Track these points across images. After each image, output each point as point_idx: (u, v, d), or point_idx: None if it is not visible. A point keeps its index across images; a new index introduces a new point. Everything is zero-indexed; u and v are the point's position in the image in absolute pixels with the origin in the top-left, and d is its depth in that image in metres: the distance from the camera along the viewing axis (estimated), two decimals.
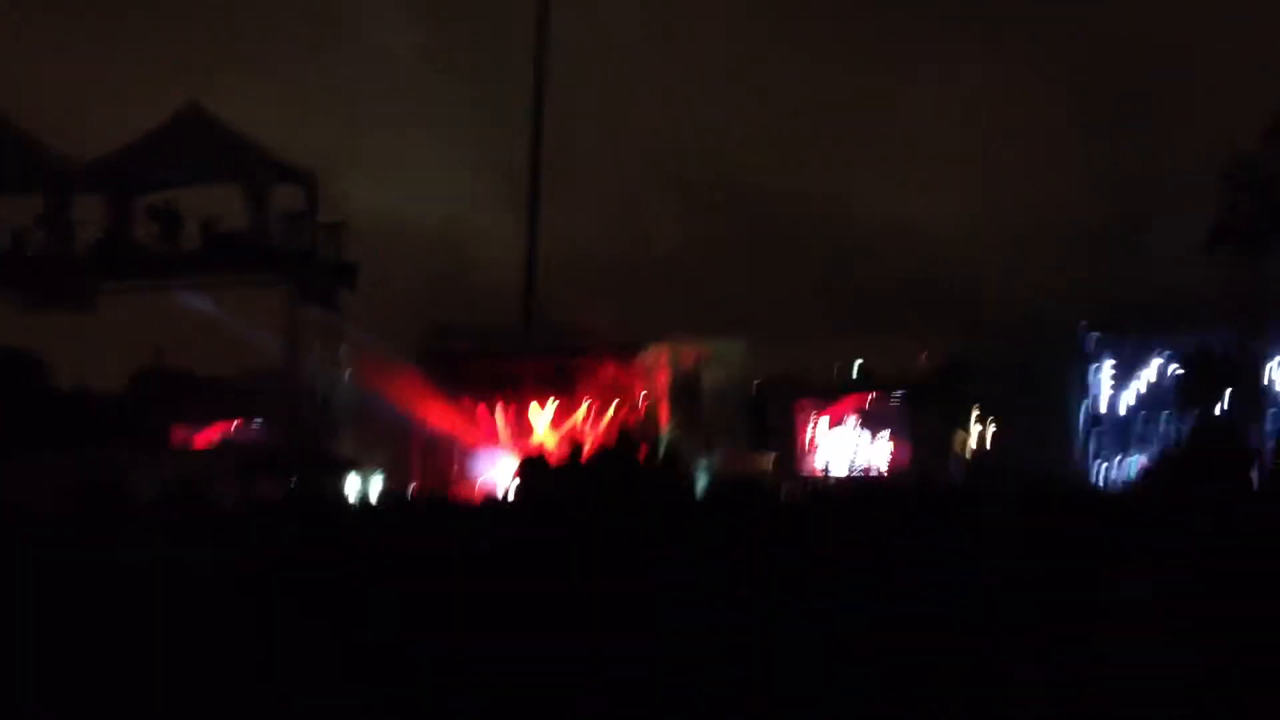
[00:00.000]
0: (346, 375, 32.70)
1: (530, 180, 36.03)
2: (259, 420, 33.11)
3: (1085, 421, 32.23)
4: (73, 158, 28.58)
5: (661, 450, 10.74)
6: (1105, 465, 30.97)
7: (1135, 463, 30.53)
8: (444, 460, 34.79)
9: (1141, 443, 31.88)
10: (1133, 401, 32.68)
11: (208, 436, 34.53)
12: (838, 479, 33.44)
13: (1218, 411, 28.83)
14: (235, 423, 34.25)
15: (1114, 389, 32.56)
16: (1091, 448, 31.82)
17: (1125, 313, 31.92)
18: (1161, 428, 31.66)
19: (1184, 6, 40.84)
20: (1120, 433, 32.39)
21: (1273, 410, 29.61)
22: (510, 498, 10.47)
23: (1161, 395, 32.57)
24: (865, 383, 35.42)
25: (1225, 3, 40.32)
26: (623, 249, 44.12)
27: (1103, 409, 32.40)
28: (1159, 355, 32.59)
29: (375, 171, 41.85)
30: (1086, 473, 29.45)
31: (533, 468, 9.28)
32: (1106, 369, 32.57)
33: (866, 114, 45.73)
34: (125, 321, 30.95)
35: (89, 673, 6.09)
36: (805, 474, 34.07)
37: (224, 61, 42.00)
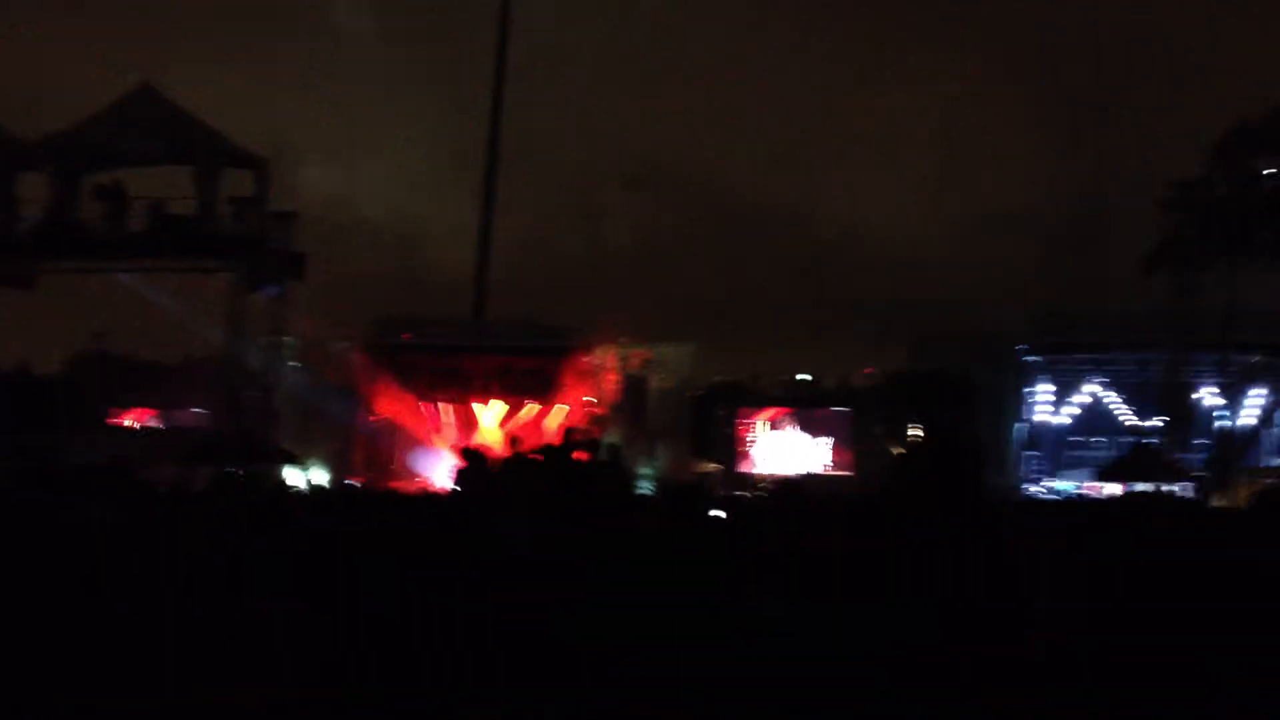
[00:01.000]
0: (291, 365, 32.46)
1: (486, 174, 35.83)
2: (199, 407, 32.80)
3: (1019, 441, 32.54)
4: (19, 133, 28.13)
5: (604, 452, 10.80)
6: (1037, 485, 31.32)
7: (1070, 485, 30.87)
8: (386, 454, 34.61)
9: (1074, 466, 32.30)
10: (1067, 423, 33.12)
11: (147, 421, 34.17)
12: (782, 482, 33.44)
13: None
14: (174, 408, 33.93)
15: (1051, 410, 32.92)
16: (1024, 467, 32.11)
17: (1064, 330, 32.19)
18: (1100, 451, 32.09)
19: (1143, 26, 41.62)
20: (1054, 454, 32.81)
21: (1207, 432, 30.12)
22: (450, 492, 10.50)
23: (1097, 418, 33.00)
24: (810, 392, 35.67)
25: (1182, 24, 41.10)
26: (578, 245, 44.26)
27: (1036, 429, 32.75)
28: (1095, 379, 32.99)
29: (330, 157, 41.67)
30: (1018, 490, 29.68)
31: (472, 464, 9.32)
32: (1043, 390, 32.91)
33: (828, 120, 46.18)
34: (67, 303, 30.54)
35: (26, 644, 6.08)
36: (748, 478, 34.17)
37: (179, 42, 41.69)
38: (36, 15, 41.33)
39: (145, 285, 29.52)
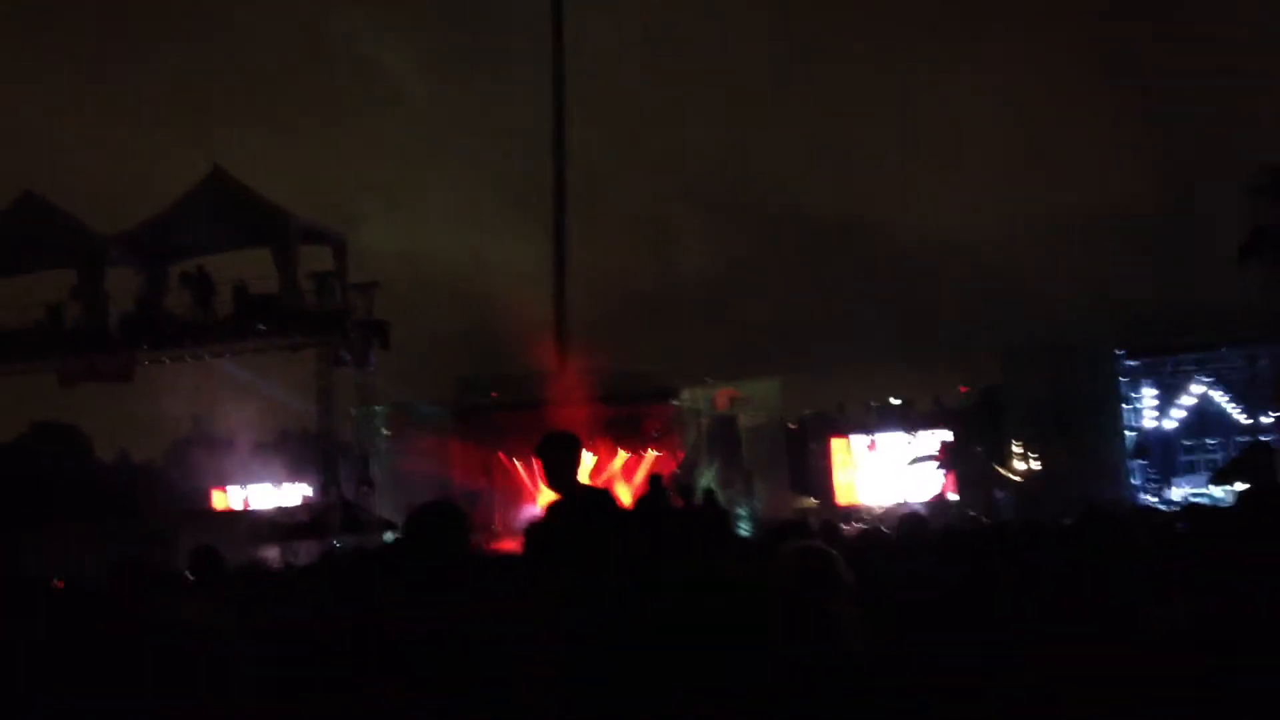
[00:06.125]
0: (384, 433, 32.71)
1: (555, 227, 35.51)
2: (298, 483, 33.18)
3: (1130, 450, 31.37)
4: (102, 230, 28.80)
5: (698, 496, 10.58)
6: (1154, 493, 30.23)
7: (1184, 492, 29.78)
8: (485, 515, 34.59)
9: (1189, 471, 31.17)
10: (1175, 427, 31.99)
11: (249, 501, 34.66)
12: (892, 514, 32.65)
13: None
14: (275, 486, 34.38)
15: (1157, 415, 31.82)
16: (1138, 478, 30.99)
17: (1162, 331, 31.12)
18: (1215, 454, 30.92)
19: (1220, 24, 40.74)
20: (1166, 460, 31.68)
21: None
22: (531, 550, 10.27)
23: (1208, 420, 31.74)
24: (904, 416, 34.96)
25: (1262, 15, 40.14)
26: (652, 282, 44.14)
27: (1145, 436, 31.62)
28: (1200, 379, 31.81)
29: (401, 215, 42.07)
30: (1134, 501, 28.62)
31: (554, 518, 9.06)
32: (1147, 396, 31.84)
33: (900, 125, 45.80)
34: (163, 390, 31.11)
35: None
36: (849, 511, 33.50)
37: (244, 125, 42.70)
38: (96, 113, 42.64)
39: (236, 367, 29.98)
